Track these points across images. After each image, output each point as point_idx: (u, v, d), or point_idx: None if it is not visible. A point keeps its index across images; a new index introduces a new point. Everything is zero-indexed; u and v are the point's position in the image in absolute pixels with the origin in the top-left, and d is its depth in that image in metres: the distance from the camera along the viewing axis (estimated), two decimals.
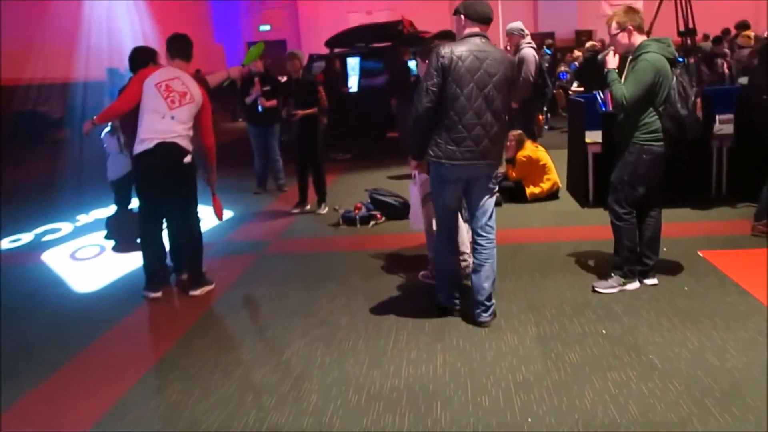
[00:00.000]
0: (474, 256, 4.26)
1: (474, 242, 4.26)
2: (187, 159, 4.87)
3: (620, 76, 4.39)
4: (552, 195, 7.54)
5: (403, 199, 7.15)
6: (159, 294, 5.09)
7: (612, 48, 4.56)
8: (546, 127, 13.15)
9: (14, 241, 7.10)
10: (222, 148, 12.82)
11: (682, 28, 7.49)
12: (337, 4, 26.53)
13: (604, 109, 4.78)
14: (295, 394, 3.49)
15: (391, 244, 6.20)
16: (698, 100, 4.30)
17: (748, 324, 3.98)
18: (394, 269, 5.44)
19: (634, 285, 4.65)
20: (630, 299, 4.48)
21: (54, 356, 4.16)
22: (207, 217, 7.72)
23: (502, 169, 4.88)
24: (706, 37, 12.05)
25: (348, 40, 14.47)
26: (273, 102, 8.51)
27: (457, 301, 4.40)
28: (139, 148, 4.82)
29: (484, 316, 4.23)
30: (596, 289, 4.65)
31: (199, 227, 5.21)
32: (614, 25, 4.47)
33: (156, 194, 4.97)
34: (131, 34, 18.12)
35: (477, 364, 3.70)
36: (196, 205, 5.11)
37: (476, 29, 4.07)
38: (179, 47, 5.02)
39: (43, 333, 4.59)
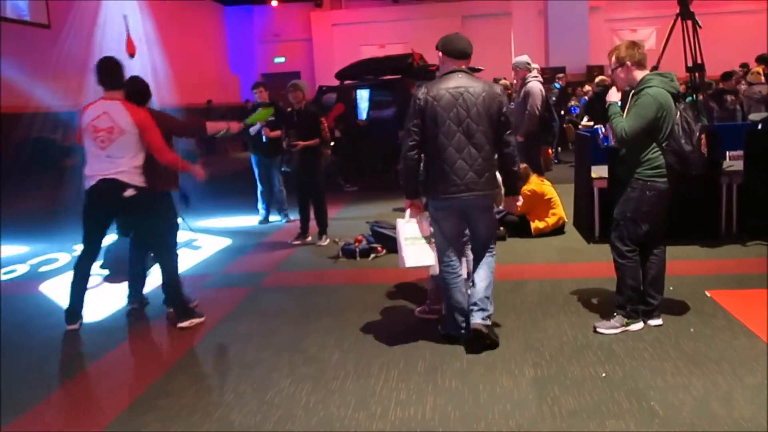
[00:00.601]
0: (474, 268, 4.46)
1: (475, 260, 4.46)
2: (128, 193, 4.80)
3: (623, 111, 4.27)
4: (557, 230, 7.37)
5: None
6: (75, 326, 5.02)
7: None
8: (555, 160, 13.04)
9: (9, 272, 6.98)
10: (232, 177, 12.81)
11: (690, 64, 7.37)
12: (351, 37, 26.81)
13: (606, 144, 4.68)
14: None
15: (390, 278, 6.04)
16: (703, 135, 4.15)
17: (755, 369, 3.78)
18: (390, 304, 5.29)
19: (638, 326, 4.46)
20: (633, 341, 4.29)
21: (31, 393, 4.01)
22: (208, 247, 7.73)
23: (502, 205, 4.72)
24: (723, 75, 11.81)
25: (358, 73, 14.52)
26: (277, 132, 8.43)
27: (463, 331, 4.36)
28: (85, 184, 4.89)
29: (477, 317, 4.30)
30: (598, 329, 4.46)
31: (168, 260, 5.14)
32: (613, 60, 4.39)
33: (99, 229, 5.04)
34: (144, 66, 18.32)
35: (469, 408, 3.52)
36: (161, 237, 5.11)
37: (455, 64, 4.21)
38: (106, 76, 4.86)
39: (24, 367, 4.45)
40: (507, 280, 5.72)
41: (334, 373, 4.04)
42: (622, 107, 4.30)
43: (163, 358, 4.52)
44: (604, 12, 23.65)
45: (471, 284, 4.44)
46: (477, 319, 4.30)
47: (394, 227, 6.97)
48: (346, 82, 14.33)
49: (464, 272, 4.59)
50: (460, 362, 4.10)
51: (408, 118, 4.21)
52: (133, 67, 17.23)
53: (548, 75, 15.81)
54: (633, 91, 4.30)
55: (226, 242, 8.05)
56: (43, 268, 7.16)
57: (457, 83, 4.14)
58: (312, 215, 7.62)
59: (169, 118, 5.29)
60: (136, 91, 5.18)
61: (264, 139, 8.65)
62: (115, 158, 4.78)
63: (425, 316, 4.91)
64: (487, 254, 4.42)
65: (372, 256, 6.77)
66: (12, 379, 4.24)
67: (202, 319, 5.10)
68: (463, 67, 4.23)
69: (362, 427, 3.38)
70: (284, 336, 4.69)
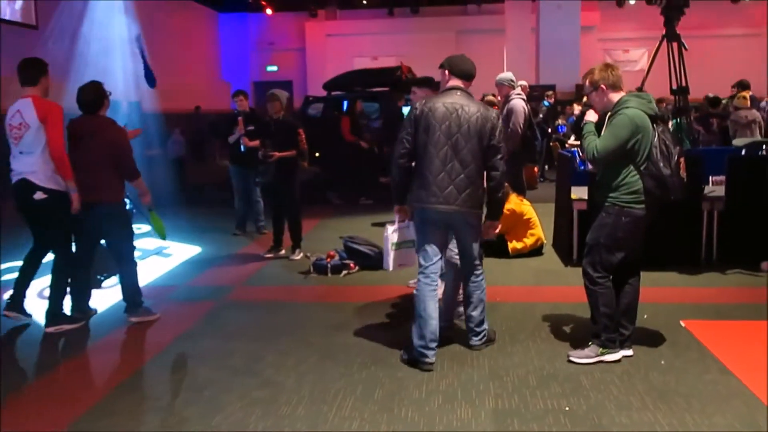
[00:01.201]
0: (464, 288, 4.57)
1: (463, 278, 4.55)
2: (38, 195, 4.91)
3: (600, 132, 4.14)
4: (536, 251, 7.22)
5: (379, 249, 6.83)
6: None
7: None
8: (541, 179, 12.92)
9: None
10: (215, 186, 12.60)
11: (675, 86, 7.26)
12: (344, 48, 26.72)
13: (582, 167, 4.56)
14: None
15: (360, 296, 5.87)
16: (682, 159, 4.01)
17: (725, 409, 3.61)
18: (357, 325, 5.10)
19: (614, 356, 4.25)
20: (601, 372, 4.12)
21: None
22: (178, 255, 7.53)
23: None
24: (712, 101, 11.67)
25: (346, 84, 14.38)
26: (256, 142, 8.26)
27: (432, 351, 4.28)
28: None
29: (475, 340, 4.53)
30: (571, 358, 4.27)
31: (127, 270, 5.28)
32: (587, 83, 4.25)
33: (31, 228, 5.23)
34: (131, 70, 18.13)
35: None
36: (61, 237, 5.14)
37: (458, 83, 4.37)
38: (22, 74, 4.98)
39: None
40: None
41: (287, 398, 3.85)
42: (599, 129, 4.16)
43: (112, 375, 4.32)
44: (597, 31, 23.66)
45: (463, 306, 4.65)
46: (475, 342, 4.54)
47: (368, 243, 6.89)
48: (334, 93, 14.18)
49: (439, 290, 4.60)
50: (419, 390, 3.92)
51: (402, 127, 4.36)
52: (123, 69, 17.16)
53: (538, 92, 15.72)
54: (609, 114, 4.15)
55: (197, 251, 7.87)
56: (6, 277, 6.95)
57: (454, 100, 4.27)
58: (287, 228, 7.44)
59: (125, 148, 5.18)
60: (86, 101, 5.13)
61: (243, 149, 8.49)
62: (26, 154, 4.91)
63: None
64: (476, 277, 4.50)
65: (344, 272, 6.59)
66: None
67: (154, 317, 5.28)
68: (464, 86, 4.37)
69: None
70: (241, 356, 4.50)
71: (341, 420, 3.58)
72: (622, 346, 4.32)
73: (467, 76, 4.40)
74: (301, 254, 7.33)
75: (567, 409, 3.66)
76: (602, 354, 4.25)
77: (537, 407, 3.69)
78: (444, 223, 4.34)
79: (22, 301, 5.29)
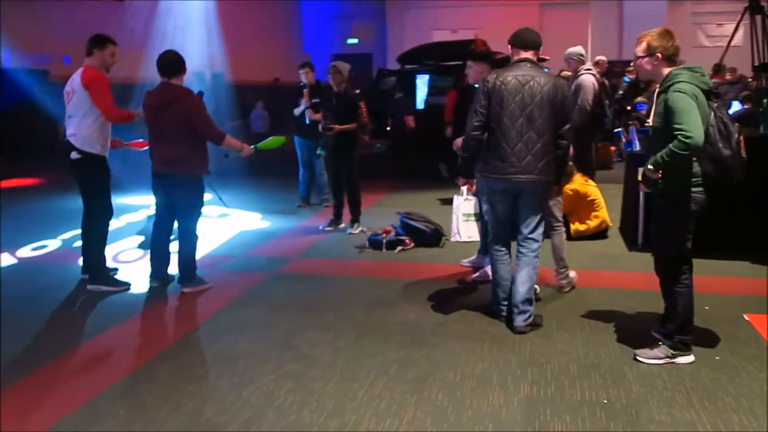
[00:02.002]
0: (517, 262, 4.57)
1: (518, 250, 4.57)
2: (73, 155, 5.21)
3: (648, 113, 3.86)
4: (599, 234, 6.95)
5: (435, 226, 6.74)
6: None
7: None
8: (618, 159, 12.42)
9: (38, 248, 6.91)
10: (280, 157, 12.77)
11: (757, 63, 6.76)
12: (423, 21, 26.38)
13: (629, 149, 4.32)
14: None
15: (411, 273, 5.81)
16: (741, 138, 3.70)
17: None
18: (403, 302, 5.06)
19: (687, 358, 3.93)
20: (648, 365, 3.91)
21: (16, 368, 4.00)
22: (240, 226, 7.67)
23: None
24: None
25: (420, 57, 14.20)
26: (320, 115, 8.28)
27: (503, 308, 4.59)
28: None
29: (519, 320, 4.45)
30: (638, 358, 3.98)
31: (188, 241, 5.37)
32: (643, 46, 3.84)
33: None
34: (214, 41, 18.52)
35: (448, 426, 3.27)
36: (96, 199, 5.35)
37: (525, 55, 4.44)
38: (86, 46, 5.30)
39: (21, 336, 4.45)
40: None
41: (320, 373, 3.85)
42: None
43: (156, 342, 4.43)
44: (689, 5, 22.40)
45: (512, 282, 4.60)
46: (519, 323, 4.45)
47: (425, 220, 6.80)
48: (407, 66, 14.03)
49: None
50: (453, 373, 3.84)
51: (475, 100, 4.44)
52: (200, 42, 17.53)
53: (620, 68, 15.09)
54: (658, 89, 3.86)
55: (259, 222, 7.99)
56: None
57: (525, 72, 4.36)
58: (346, 202, 7.45)
59: (202, 113, 5.20)
60: (165, 64, 5.20)
61: (308, 121, 8.51)
62: (71, 117, 5.22)
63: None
64: (530, 251, 4.53)
65: (398, 248, 6.53)
66: (11, 346, 4.26)
67: (208, 286, 5.40)
68: (531, 57, 4.45)
69: None
70: (282, 329, 4.53)
71: (370, 398, 3.55)
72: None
73: (532, 45, 4.47)
74: (360, 228, 7.31)
75: (605, 401, 3.50)
76: (673, 356, 3.93)
77: (573, 398, 3.55)
78: (515, 193, 4.44)
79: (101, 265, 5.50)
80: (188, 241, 5.37)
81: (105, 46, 5.25)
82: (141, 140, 5.67)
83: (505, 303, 4.56)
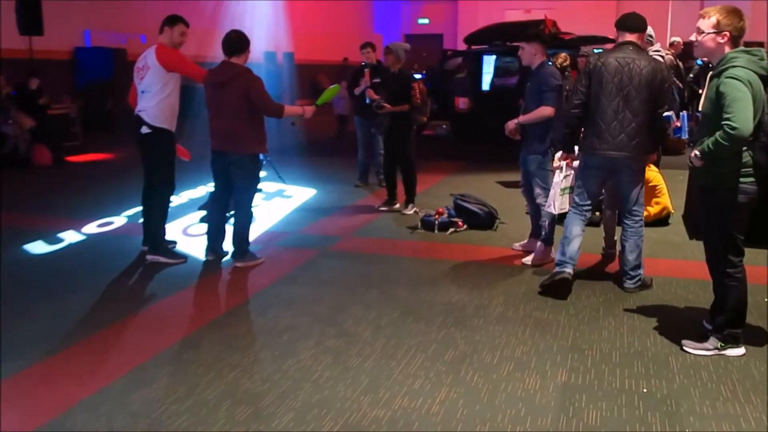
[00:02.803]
0: (622, 233, 4.94)
1: (623, 222, 4.92)
2: (143, 129, 5.36)
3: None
4: (661, 221, 6.74)
5: (489, 209, 6.69)
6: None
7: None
8: (690, 144, 11.95)
9: (104, 224, 7.06)
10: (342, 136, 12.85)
11: None
12: (496, 1, 25.94)
13: (678, 135, 4.18)
14: (271, 410, 3.24)
15: (461, 255, 5.80)
16: None
17: None
18: (449, 283, 5.05)
19: (737, 351, 3.79)
20: (695, 356, 3.80)
21: (74, 332, 4.21)
22: (297, 201, 7.80)
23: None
24: None
25: (487, 38, 14.00)
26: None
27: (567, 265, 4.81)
28: None
29: (629, 283, 4.87)
30: (686, 348, 3.87)
31: (242, 216, 5.47)
32: (712, 22, 3.57)
33: (144, 164, 5.64)
34: (283, 21, 18.75)
35: (480, 408, 3.27)
36: (161, 172, 5.50)
37: (628, 38, 4.67)
38: (161, 25, 5.46)
39: (73, 302, 4.67)
40: (580, 270, 5.30)
41: (359, 350, 3.90)
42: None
43: (205, 312, 4.57)
44: None
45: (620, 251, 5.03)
46: (629, 285, 4.87)
47: (479, 202, 6.76)
48: (474, 47, 13.87)
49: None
50: (492, 355, 3.83)
51: (577, 80, 4.89)
52: (271, 23, 17.77)
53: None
54: (712, 72, 3.67)
55: (316, 199, 8.09)
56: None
57: (626, 54, 4.59)
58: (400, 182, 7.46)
59: (260, 90, 5.25)
60: (229, 43, 5.29)
61: (368, 101, 8.53)
62: (145, 92, 5.36)
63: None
64: (635, 223, 4.83)
65: (450, 230, 6.51)
66: (63, 313, 4.48)
67: (260, 261, 5.53)
68: (636, 41, 4.66)
69: (361, 412, 3.22)
70: (326, 305, 4.61)
71: (405, 377, 3.57)
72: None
73: (635, 28, 4.67)
74: (414, 209, 7.32)
75: (644, 391, 3.42)
76: (722, 349, 3.80)
77: (611, 386, 3.48)
78: (609, 169, 4.73)
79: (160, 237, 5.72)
80: (243, 217, 5.48)
81: (176, 24, 5.40)
82: (184, 150, 5.76)
83: (572, 261, 4.81)
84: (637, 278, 4.84)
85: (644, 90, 4.53)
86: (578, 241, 4.82)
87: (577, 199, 4.87)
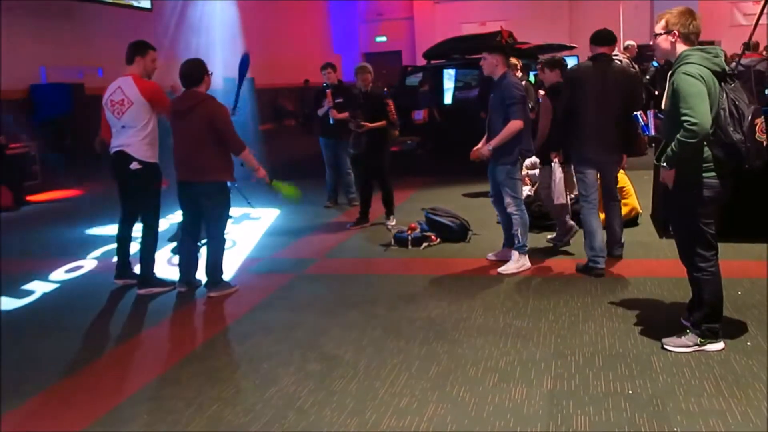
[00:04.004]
0: (608, 214, 5.65)
1: (609, 204, 5.64)
2: (133, 165, 5.25)
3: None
4: (630, 221, 6.79)
5: (461, 220, 6.70)
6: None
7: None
8: (651, 145, 12.16)
9: (73, 269, 6.73)
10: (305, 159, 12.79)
11: None
12: (452, 15, 26.23)
13: (646, 132, 4.25)
14: None
15: (436, 269, 5.78)
16: (759, 120, 3.57)
17: None
18: (427, 298, 5.03)
19: (717, 346, 3.82)
20: (676, 354, 3.82)
21: (55, 369, 4.10)
22: (265, 226, 7.70)
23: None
24: None
25: (446, 52, 14.11)
26: (345, 114, 8.28)
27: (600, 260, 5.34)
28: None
29: (620, 250, 5.68)
30: (666, 347, 3.88)
31: (215, 246, 5.39)
32: (662, 24, 3.73)
33: (123, 199, 5.60)
34: (242, 46, 18.69)
35: (468, 422, 3.24)
36: (149, 205, 5.47)
37: (600, 50, 5.30)
38: (126, 55, 5.34)
39: (45, 348, 4.54)
40: (557, 276, 5.33)
41: (342, 372, 3.85)
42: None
43: (183, 345, 4.48)
44: None
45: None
46: (617, 251, 5.66)
47: (450, 215, 6.76)
48: (433, 62, 13.96)
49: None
50: (476, 368, 3.80)
51: (563, 89, 5.45)
52: (228, 48, 17.70)
53: (652, 52, 14.78)
54: (670, 71, 3.75)
55: (286, 224, 8.00)
56: None
57: (601, 64, 5.25)
58: (377, 198, 7.46)
59: (225, 120, 5.24)
60: (187, 73, 5.24)
61: (331, 122, 8.53)
62: (127, 128, 5.22)
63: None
64: (616, 202, 5.64)
65: (424, 245, 6.49)
66: (34, 359, 4.35)
67: (234, 289, 5.43)
68: (607, 52, 5.33)
69: None
70: (305, 330, 4.55)
71: (391, 396, 3.53)
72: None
73: (606, 42, 5.32)
74: (395, 220, 7.32)
75: (630, 392, 3.43)
76: (702, 344, 3.82)
77: (597, 390, 3.48)
78: (596, 164, 5.33)
79: (128, 267, 5.69)
80: (215, 247, 5.39)
81: (146, 52, 5.31)
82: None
83: (603, 254, 5.32)
84: (622, 245, 5.69)
85: (619, 94, 5.18)
86: (600, 232, 5.31)
87: (582, 191, 5.36)
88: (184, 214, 5.52)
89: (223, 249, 5.45)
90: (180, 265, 5.57)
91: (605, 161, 5.35)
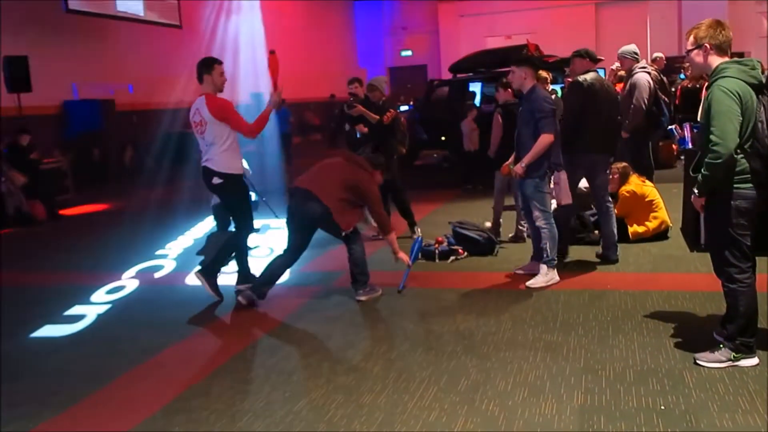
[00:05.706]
0: (603, 217, 6.08)
1: (604, 207, 6.06)
2: (215, 180, 5.43)
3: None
4: (660, 235, 6.74)
5: (488, 234, 6.69)
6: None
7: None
8: (681, 157, 12.04)
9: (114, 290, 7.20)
10: None
11: None
12: (477, 28, 26.27)
13: (683, 146, 4.21)
14: None
15: (464, 283, 5.77)
16: None
17: None
18: (455, 312, 5.02)
19: (751, 361, 3.76)
20: (709, 369, 3.77)
21: (81, 386, 4.14)
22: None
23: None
24: None
25: (472, 65, 14.13)
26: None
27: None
28: None
29: (614, 254, 6.05)
30: (699, 362, 3.83)
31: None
32: (691, 39, 3.75)
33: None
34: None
35: None
36: (241, 213, 5.64)
37: (594, 66, 6.04)
38: (197, 75, 5.43)
39: (77, 360, 4.61)
40: (585, 289, 5.29)
41: (370, 386, 3.86)
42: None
43: (214, 357, 4.53)
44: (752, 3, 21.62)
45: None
46: (615, 256, 6.08)
47: (478, 228, 6.75)
48: (459, 75, 13.99)
49: None
50: (505, 382, 3.79)
51: (576, 98, 5.90)
52: (257, 63, 17.93)
53: (680, 63, 14.64)
54: (707, 84, 3.73)
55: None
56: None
57: (599, 77, 6.05)
58: (396, 212, 7.48)
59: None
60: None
61: (358, 135, 8.58)
62: (209, 145, 5.40)
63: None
64: (608, 208, 6.00)
65: (451, 258, 6.49)
66: (67, 369, 4.43)
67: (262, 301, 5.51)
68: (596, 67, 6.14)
69: None
70: (334, 342, 4.57)
71: (420, 410, 3.53)
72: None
73: (596, 59, 6.11)
74: (419, 231, 7.32)
75: (662, 408, 3.39)
76: (736, 359, 3.77)
77: (629, 405, 3.45)
78: (585, 169, 5.93)
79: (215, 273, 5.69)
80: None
81: (212, 68, 5.41)
82: None
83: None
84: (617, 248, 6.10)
85: (615, 102, 6.08)
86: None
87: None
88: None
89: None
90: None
91: (603, 162, 5.96)
